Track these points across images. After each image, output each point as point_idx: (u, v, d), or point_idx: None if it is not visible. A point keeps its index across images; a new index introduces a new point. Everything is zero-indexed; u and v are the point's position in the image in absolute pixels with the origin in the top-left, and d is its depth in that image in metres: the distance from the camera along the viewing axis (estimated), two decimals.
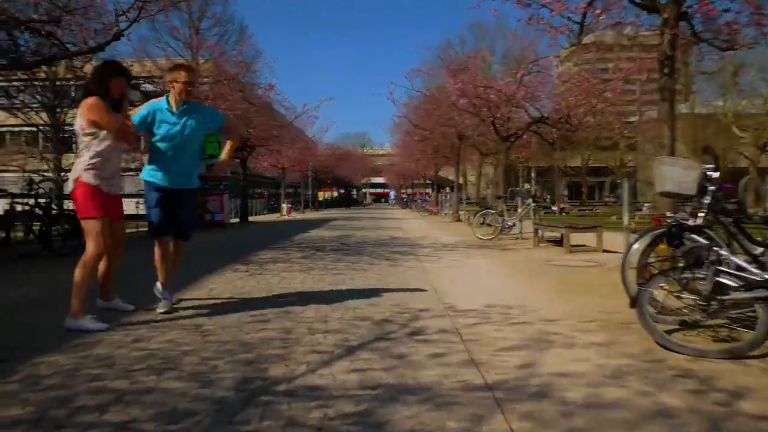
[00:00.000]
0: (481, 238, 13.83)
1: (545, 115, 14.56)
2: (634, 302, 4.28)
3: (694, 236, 4.58)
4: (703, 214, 4.63)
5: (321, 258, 9.40)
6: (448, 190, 50.26)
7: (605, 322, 4.78)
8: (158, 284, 5.19)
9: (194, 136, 5.09)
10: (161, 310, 4.94)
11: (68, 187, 4.75)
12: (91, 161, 4.60)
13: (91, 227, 4.59)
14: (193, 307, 5.23)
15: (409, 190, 67.59)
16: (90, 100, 4.60)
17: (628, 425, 2.63)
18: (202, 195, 19.49)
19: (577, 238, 11.43)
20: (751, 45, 7.70)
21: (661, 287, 4.47)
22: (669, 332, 4.11)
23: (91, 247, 4.59)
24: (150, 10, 9.49)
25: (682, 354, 3.78)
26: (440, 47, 25.49)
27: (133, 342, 3.97)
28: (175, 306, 5.14)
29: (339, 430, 2.54)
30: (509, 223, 14.04)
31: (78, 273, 4.56)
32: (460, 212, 24.86)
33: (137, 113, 4.97)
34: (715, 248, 4.34)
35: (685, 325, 4.22)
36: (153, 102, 5.09)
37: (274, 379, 3.20)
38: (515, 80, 14.87)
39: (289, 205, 34.06)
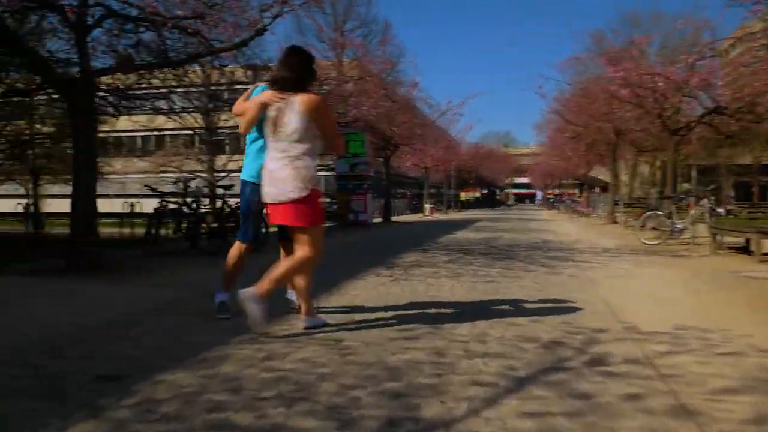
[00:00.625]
0: (646, 243, 12.47)
1: (722, 104, 12.85)
2: None
3: None
4: None
5: (469, 262, 8.70)
6: (597, 190, 47.59)
7: None
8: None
9: None
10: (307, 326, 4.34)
11: (279, 192, 4.09)
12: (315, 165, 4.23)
13: (318, 234, 4.25)
14: (333, 318, 4.73)
15: (555, 191, 65.00)
16: (320, 100, 4.17)
17: None
18: (345, 194, 19.50)
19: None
20: None
21: None
22: None
23: (313, 252, 4.20)
24: (293, 5, 9.24)
25: None
26: (593, 36, 23.76)
27: (264, 360, 3.49)
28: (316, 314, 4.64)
29: None
30: (679, 227, 12.55)
31: (302, 279, 4.42)
32: (615, 214, 23.12)
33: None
34: None
35: None
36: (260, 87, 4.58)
37: (428, 421, 2.56)
38: (685, 66, 13.29)
39: (432, 206, 33.60)
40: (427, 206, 32.51)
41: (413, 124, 23.19)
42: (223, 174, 32.44)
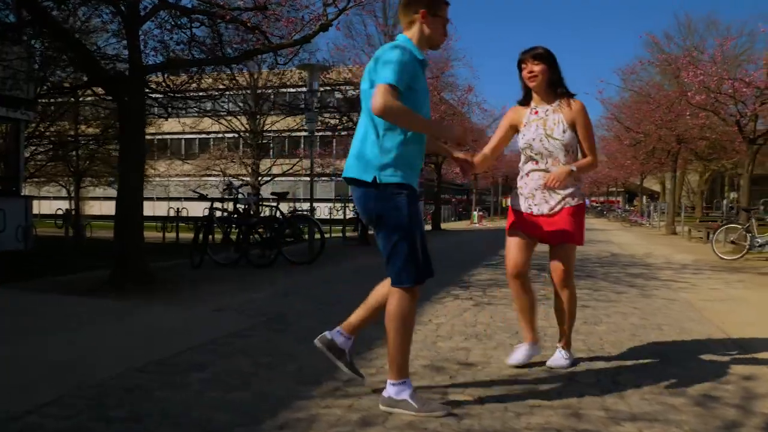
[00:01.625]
0: (723, 258, 11.58)
1: None
2: None
3: None
4: None
5: (548, 280, 7.96)
6: (645, 199, 46.07)
7: None
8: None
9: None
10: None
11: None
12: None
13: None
14: (427, 357, 4.08)
15: (601, 199, 63.44)
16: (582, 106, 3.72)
17: None
18: None
19: None
20: None
21: None
22: None
23: (572, 275, 3.84)
24: (361, 0, 8.70)
25: None
26: (649, 41, 22.81)
27: (360, 425, 2.81)
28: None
29: None
30: (759, 241, 11.62)
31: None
32: (675, 225, 22.08)
33: None
34: None
35: None
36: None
37: None
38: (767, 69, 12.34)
39: (480, 213, 32.76)
40: (475, 213, 31.69)
41: (465, 129, 22.47)
42: (267, 178, 32.24)
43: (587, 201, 77.65)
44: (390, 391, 2.92)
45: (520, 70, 3.72)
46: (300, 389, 3.29)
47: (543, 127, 3.69)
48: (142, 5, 7.35)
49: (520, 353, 3.82)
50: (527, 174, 3.80)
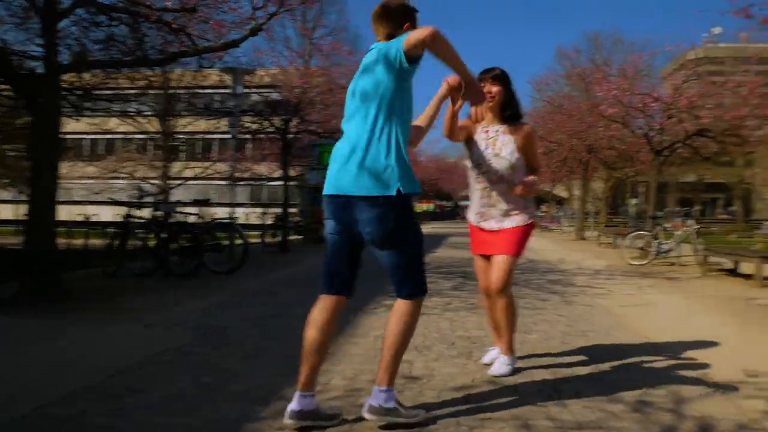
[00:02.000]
0: (632, 264, 12.20)
1: (705, 126, 12.70)
2: None
3: None
4: None
5: (475, 288, 8.12)
6: (555, 205, 47.81)
7: None
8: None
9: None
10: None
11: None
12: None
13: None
14: (371, 372, 4.09)
15: None
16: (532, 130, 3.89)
17: None
18: (317, 208, 18.75)
19: (748, 267, 9.76)
20: None
21: None
22: None
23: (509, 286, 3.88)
24: (290, 4, 8.62)
25: None
26: (557, 54, 23.86)
27: None
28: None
29: None
30: (665, 247, 12.32)
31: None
32: (584, 230, 23.08)
33: None
34: None
35: None
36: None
37: None
38: (675, 87, 13.15)
39: None
40: None
41: None
42: (178, 182, 31.27)
43: None
44: (380, 398, 2.93)
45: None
46: (250, 411, 3.22)
47: (492, 146, 3.79)
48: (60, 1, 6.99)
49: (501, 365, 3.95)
50: (477, 191, 3.89)
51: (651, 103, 12.51)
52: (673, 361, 4.38)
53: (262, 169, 27.03)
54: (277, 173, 26.60)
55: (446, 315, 6.12)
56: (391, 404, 2.91)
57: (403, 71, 2.80)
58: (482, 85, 3.70)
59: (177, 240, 9.35)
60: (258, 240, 17.12)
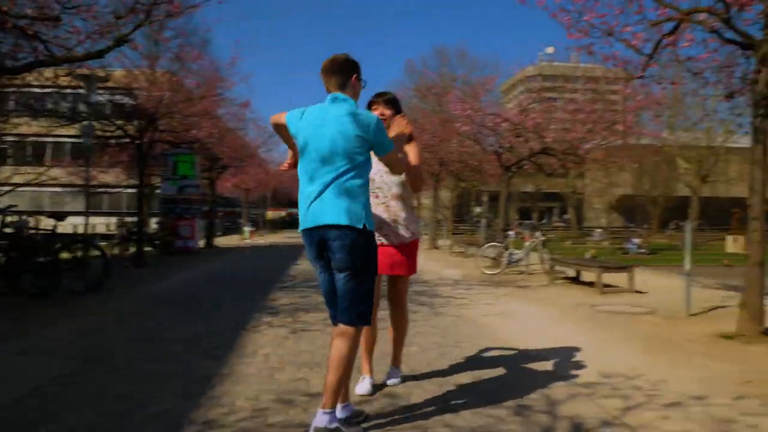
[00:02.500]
0: (486, 273, 13.09)
1: (548, 145, 13.97)
2: None
3: None
4: None
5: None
6: None
7: (761, 397, 4.08)
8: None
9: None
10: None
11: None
12: None
13: None
14: (271, 391, 4.22)
15: None
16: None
17: None
18: (172, 219, 18.19)
19: (587, 275, 10.97)
20: None
21: None
22: None
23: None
24: (157, 15, 8.46)
25: None
26: (405, 68, 25.01)
27: None
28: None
29: None
30: (515, 257, 13.37)
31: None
32: (436, 240, 24.22)
33: None
34: None
35: None
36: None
37: None
38: (522, 108, 14.32)
39: (252, 228, 32.67)
40: (246, 229, 31.51)
41: (240, 145, 22.43)
42: (7, 188, 28.82)
43: None
44: (323, 419, 3.17)
45: (370, 109, 4.06)
46: None
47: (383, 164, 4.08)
48: None
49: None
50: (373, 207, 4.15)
51: (501, 123, 13.56)
52: (540, 368, 4.92)
53: (109, 177, 25.62)
54: (127, 182, 25.45)
55: (327, 330, 6.30)
56: (334, 425, 3.18)
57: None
58: (375, 107, 4.07)
59: (30, 257, 8.78)
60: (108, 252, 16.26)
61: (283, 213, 63.62)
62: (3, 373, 4.66)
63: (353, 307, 3.24)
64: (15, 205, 9.38)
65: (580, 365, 4.97)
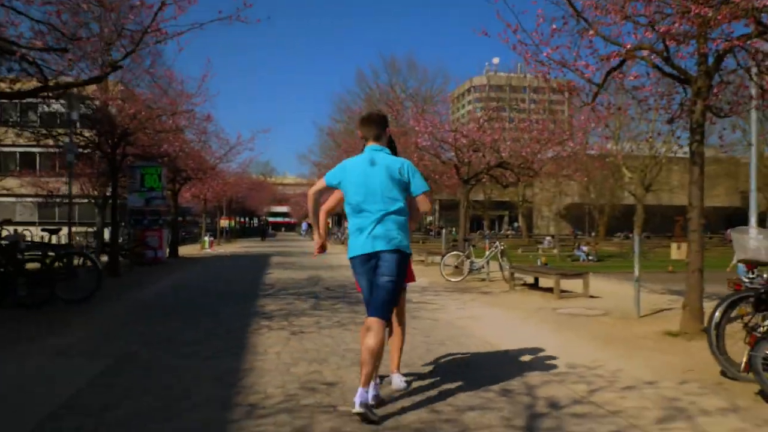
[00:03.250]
0: (449, 280, 13.91)
1: (504, 159, 14.94)
2: (748, 367, 4.52)
3: None
4: None
5: (333, 308, 9.03)
6: None
7: (699, 381, 4.97)
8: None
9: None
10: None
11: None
12: None
13: None
14: (294, 381, 4.91)
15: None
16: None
17: None
18: (141, 230, 18.50)
19: (544, 281, 11.93)
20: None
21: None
22: None
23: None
24: (147, 42, 9.02)
25: None
26: (356, 76, 25.86)
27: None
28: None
29: None
30: (477, 265, 14.25)
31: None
32: None
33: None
34: None
35: None
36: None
37: None
38: (478, 125, 15.26)
39: (212, 238, 32.88)
40: (206, 239, 31.73)
41: (203, 158, 22.86)
42: None
43: (304, 224, 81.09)
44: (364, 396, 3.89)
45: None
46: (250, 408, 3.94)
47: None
48: None
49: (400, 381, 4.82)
50: None
51: (460, 138, 14.47)
52: (516, 361, 5.74)
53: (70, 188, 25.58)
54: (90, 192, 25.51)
55: (323, 332, 7.03)
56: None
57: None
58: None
59: (24, 269, 9.20)
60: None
61: (230, 221, 63.58)
62: (53, 370, 5.24)
63: (385, 304, 4.18)
64: (9, 219, 9.74)
65: (550, 358, 5.80)
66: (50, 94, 9.94)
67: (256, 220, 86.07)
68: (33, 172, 33.12)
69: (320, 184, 4.35)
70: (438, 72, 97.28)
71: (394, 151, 4.69)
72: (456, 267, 14.47)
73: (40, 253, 9.58)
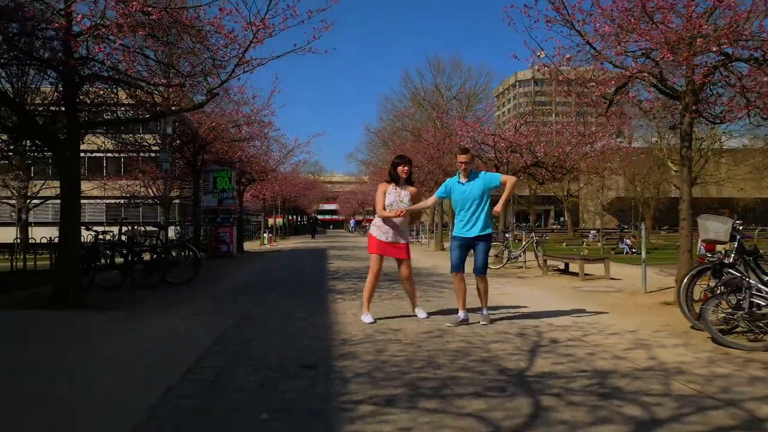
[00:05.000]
0: (490, 268, 15.65)
1: (540, 159, 16.66)
2: (699, 316, 6.25)
3: (731, 270, 6.57)
4: (734, 255, 6.65)
5: (392, 288, 11.01)
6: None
7: (670, 331, 6.71)
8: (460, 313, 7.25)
9: (478, 196, 7.15)
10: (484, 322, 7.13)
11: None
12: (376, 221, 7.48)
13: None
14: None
15: (370, 218, 69.38)
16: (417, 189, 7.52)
17: (748, 383, 4.49)
18: (214, 227, 20.84)
19: (574, 266, 13.59)
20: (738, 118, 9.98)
21: (716, 305, 6.40)
22: (723, 332, 6.05)
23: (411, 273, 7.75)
24: (237, 73, 11.01)
25: (741, 349, 5.69)
26: (401, 79, 27.78)
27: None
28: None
29: None
30: (515, 254, 16.01)
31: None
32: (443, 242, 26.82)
33: (438, 190, 7.60)
34: (745, 278, 6.33)
35: (730, 330, 6.17)
36: (448, 180, 7.56)
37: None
38: (514, 128, 17.02)
39: (270, 235, 35.36)
40: (265, 235, 34.22)
41: (265, 162, 25.15)
42: (38, 201, 31.34)
43: (353, 221, 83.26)
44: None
45: (395, 166, 7.39)
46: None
47: (398, 196, 7.23)
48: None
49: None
50: (390, 221, 7.28)
51: (500, 141, 16.28)
52: (534, 318, 7.58)
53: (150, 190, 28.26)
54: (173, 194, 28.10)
55: (385, 302, 9.00)
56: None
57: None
58: (400, 166, 7.39)
59: (141, 258, 11.42)
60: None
61: (280, 220, 66.26)
62: (193, 326, 7.32)
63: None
64: (125, 218, 11.99)
65: (561, 318, 7.62)
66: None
67: (305, 218, 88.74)
68: (107, 176, 35.89)
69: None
70: (482, 70, 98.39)
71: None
72: (496, 256, 16.26)
73: (153, 245, 11.86)
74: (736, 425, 3.67)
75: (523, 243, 16.01)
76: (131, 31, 7.95)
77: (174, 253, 11.97)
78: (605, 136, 15.84)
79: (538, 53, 9.57)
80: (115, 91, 9.46)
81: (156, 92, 10.05)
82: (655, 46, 7.82)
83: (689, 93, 8.77)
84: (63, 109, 9.12)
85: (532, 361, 5.25)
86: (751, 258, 6.80)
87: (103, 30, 7.79)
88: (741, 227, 6.92)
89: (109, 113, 10.00)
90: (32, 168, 30.36)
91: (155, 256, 11.52)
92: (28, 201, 30.02)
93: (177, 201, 30.61)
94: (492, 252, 16.65)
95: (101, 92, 9.41)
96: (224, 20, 9.44)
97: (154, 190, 28.26)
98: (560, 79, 9.82)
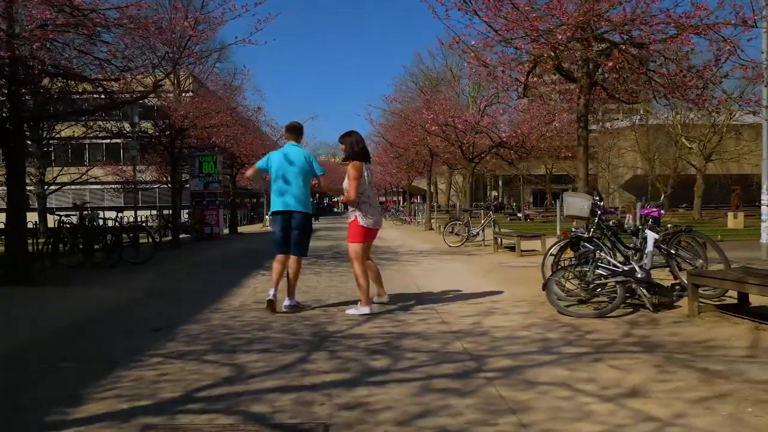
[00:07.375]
0: (450, 246, 16.30)
1: (504, 139, 17.18)
2: (544, 286, 6.83)
3: (586, 244, 7.14)
4: (593, 229, 7.22)
5: (342, 264, 11.78)
6: (419, 199, 52.59)
7: (530, 301, 7.30)
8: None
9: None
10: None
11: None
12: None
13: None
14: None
15: (381, 199, 69.95)
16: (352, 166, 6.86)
17: (526, 344, 5.13)
18: (201, 210, 21.74)
19: (528, 244, 14.11)
20: (648, 99, 10.45)
21: (563, 277, 7.00)
22: (568, 306, 6.62)
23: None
24: (183, 63, 11.75)
25: (571, 316, 6.29)
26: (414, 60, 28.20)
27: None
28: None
29: None
30: (474, 232, 16.60)
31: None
32: (432, 221, 27.44)
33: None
34: (597, 251, 6.90)
35: (579, 302, 6.76)
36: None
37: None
38: (478, 109, 17.54)
39: (271, 217, 36.21)
40: (267, 217, 35.15)
41: (257, 146, 25.92)
42: (54, 187, 32.68)
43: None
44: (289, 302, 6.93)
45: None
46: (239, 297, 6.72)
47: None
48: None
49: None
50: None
51: (459, 124, 16.88)
52: (470, 298, 8.21)
53: (146, 176, 29.33)
54: (160, 180, 29.19)
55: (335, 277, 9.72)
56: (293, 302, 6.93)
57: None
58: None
59: (100, 240, 12.33)
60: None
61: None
62: (106, 297, 8.16)
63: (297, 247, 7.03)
64: (87, 202, 12.93)
65: (456, 287, 8.28)
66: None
67: (325, 200, 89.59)
68: (117, 162, 37.12)
69: (253, 169, 7.46)
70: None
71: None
72: (456, 234, 16.87)
73: (112, 228, 12.79)
74: (450, 374, 4.31)
75: (482, 221, 16.58)
76: (71, 29, 8.79)
77: (131, 235, 12.86)
78: (561, 116, 16.26)
79: (456, 39, 10.17)
80: (65, 84, 10.20)
81: (102, 86, 10.82)
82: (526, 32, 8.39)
83: (584, 76, 9.26)
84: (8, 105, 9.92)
85: (361, 326, 5.95)
86: (611, 233, 7.38)
87: (41, 31, 8.52)
88: (601, 203, 7.49)
89: (60, 105, 10.76)
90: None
91: (113, 238, 12.41)
92: (45, 187, 31.44)
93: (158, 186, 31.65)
94: (453, 230, 17.45)
95: (49, 86, 10.18)
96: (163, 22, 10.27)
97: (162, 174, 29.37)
98: (478, 63, 10.37)
